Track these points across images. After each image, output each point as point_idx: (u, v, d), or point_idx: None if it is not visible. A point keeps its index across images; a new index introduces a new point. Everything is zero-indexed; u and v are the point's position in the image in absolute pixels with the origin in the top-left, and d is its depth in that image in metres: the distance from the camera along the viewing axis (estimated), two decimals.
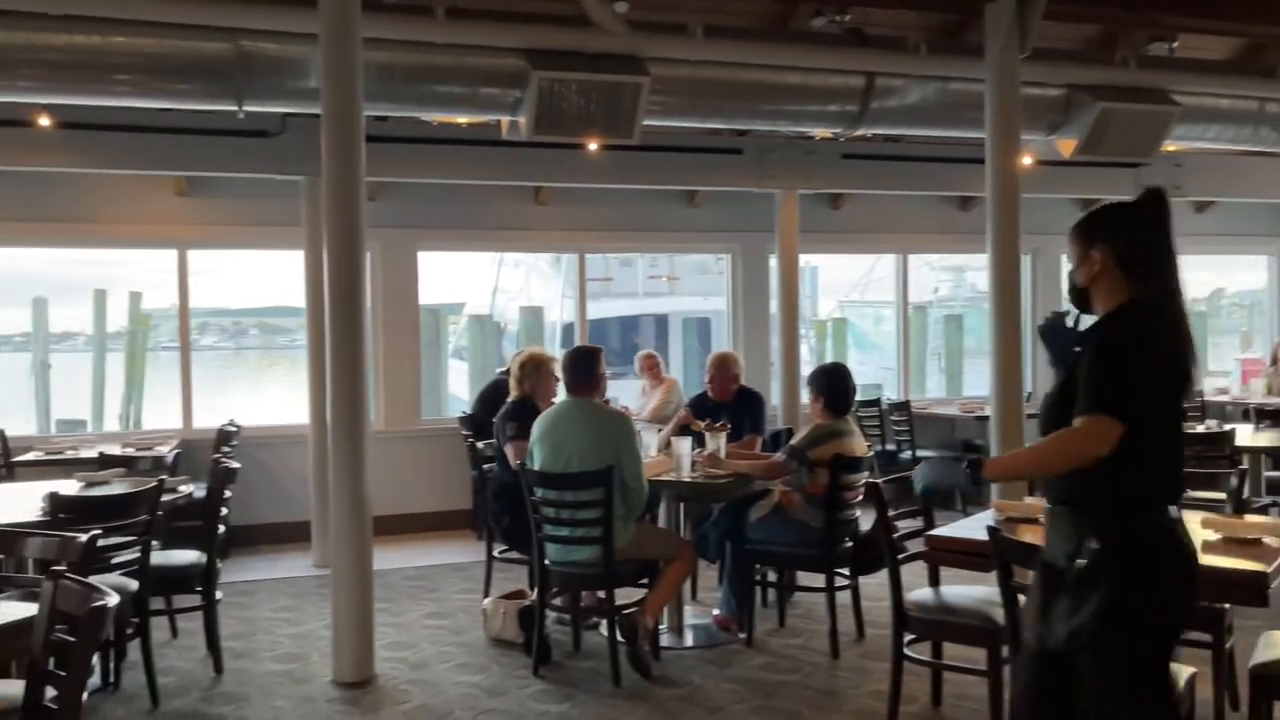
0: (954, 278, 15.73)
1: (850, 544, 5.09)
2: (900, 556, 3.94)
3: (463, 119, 6.33)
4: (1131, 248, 2.56)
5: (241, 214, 7.86)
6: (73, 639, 2.60)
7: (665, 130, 7.11)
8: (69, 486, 4.81)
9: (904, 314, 10.09)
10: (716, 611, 5.43)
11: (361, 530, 4.78)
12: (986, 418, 6.70)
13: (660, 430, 5.79)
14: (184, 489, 5.03)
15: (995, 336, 6.30)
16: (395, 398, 8.23)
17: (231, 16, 5.14)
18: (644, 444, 5.22)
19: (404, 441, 8.00)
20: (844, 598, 5.09)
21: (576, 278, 9.32)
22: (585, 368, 4.89)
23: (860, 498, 4.97)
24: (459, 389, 12.97)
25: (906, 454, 8.34)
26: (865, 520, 4.82)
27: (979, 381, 10.91)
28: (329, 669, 4.79)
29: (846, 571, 5.12)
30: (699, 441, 5.30)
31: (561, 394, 5.25)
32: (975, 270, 14.83)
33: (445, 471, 8.26)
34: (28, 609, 2.97)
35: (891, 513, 4.06)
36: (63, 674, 2.59)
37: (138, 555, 4.38)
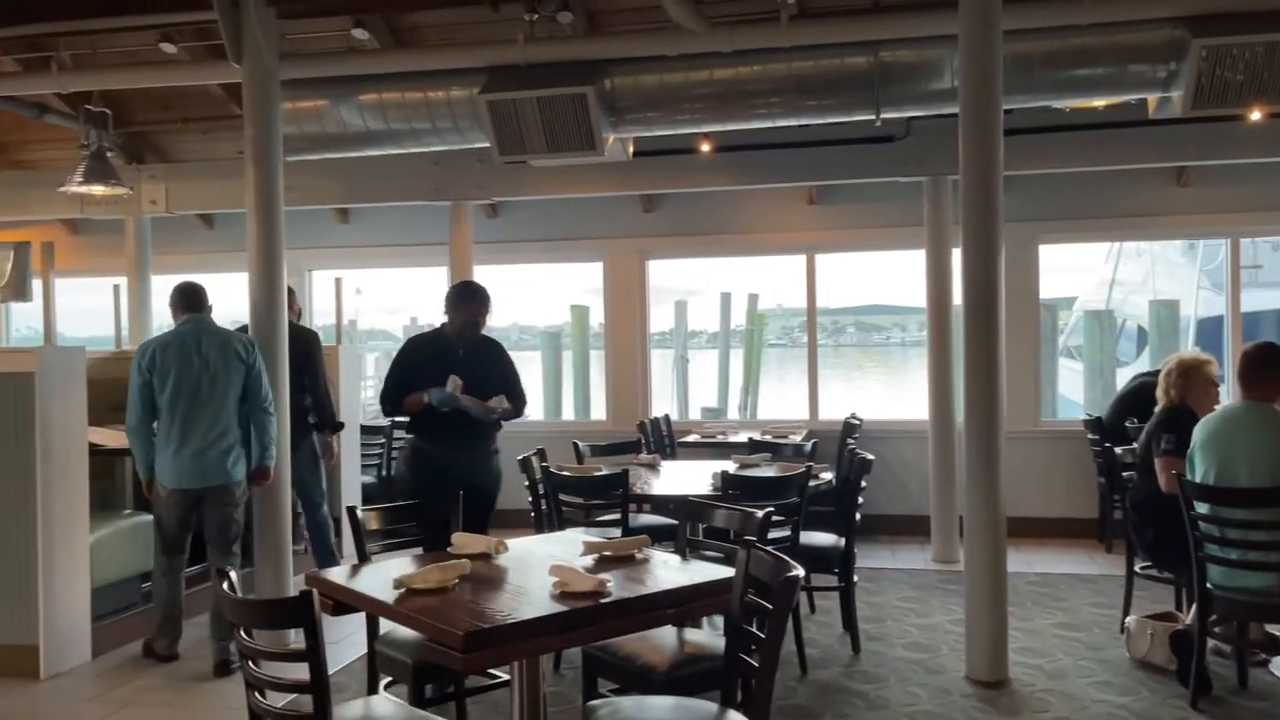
0: None
1: None
2: None
3: (1100, 102, 5.92)
4: None
5: (865, 218, 8.27)
6: (764, 603, 2.95)
7: None
8: (730, 467, 5.45)
9: None
10: None
11: (996, 531, 4.73)
12: None
13: None
14: (824, 475, 5.43)
15: None
16: (1015, 397, 7.99)
17: (873, 30, 5.41)
18: None
19: (1023, 443, 7.74)
20: None
21: (1225, 265, 8.24)
22: (1266, 366, 4.30)
23: None
24: (1070, 390, 12.20)
25: None
26: None
27: None
28: (961, 664, 4.82)
29: None
30: None
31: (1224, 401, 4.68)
32: None
33: (1066, 476, 7.87)
34: (718, 570, 3.43)
35: None
36: (760, 634, 2.94)
37: (789, 533, 4.83)
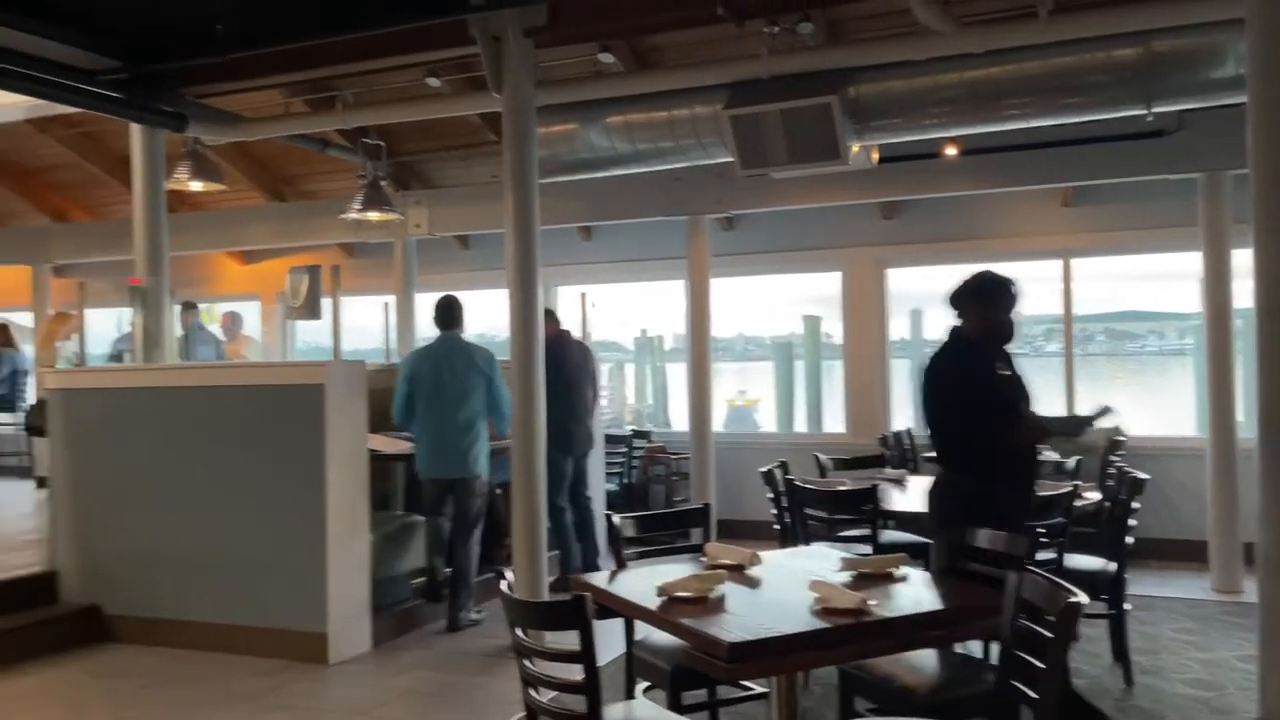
0: None
1: None
2: None
3: None
4: None
5: (1128, 218, 7.73)
6: (1038, 628, 2.80)
7: None
8: None
9: None
10: None
11: None
12: None
13: None
14: (1091, 495, 5.10)
15: None
16: None
17: (1144, 19, 5.05)
18: None
19: None
20: None
21: None
22: None
23: None
24: None
25: None
26: None
27: None
28: (1253, 705, 4.37)
29: None
30: None
31: None
32: None
33: None
34: (980, 591, 3.30)
35: None
36: (1032, 660, 2.80)
37: (1054, 555, 4.56)
